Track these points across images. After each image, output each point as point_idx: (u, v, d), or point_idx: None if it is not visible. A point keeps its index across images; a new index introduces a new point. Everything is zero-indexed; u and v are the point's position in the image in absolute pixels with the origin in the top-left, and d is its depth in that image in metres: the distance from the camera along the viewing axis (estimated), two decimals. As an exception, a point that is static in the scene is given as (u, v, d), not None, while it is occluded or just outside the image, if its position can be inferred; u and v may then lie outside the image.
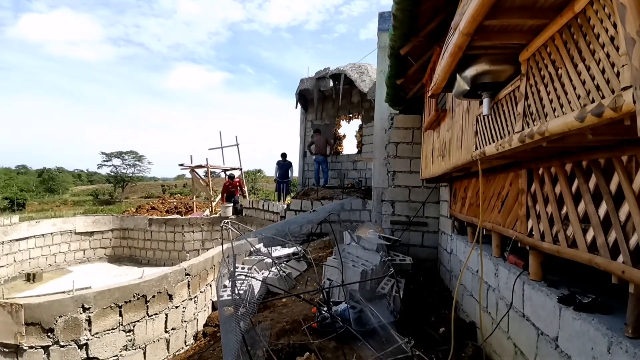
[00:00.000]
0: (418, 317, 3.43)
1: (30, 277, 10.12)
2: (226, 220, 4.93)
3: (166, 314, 4.36)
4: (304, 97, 12.03)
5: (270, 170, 12.79)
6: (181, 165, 14.66)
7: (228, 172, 14.53)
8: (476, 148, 2.32)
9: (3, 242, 9.95)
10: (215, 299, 5.25)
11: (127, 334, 3.86)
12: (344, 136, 12.30)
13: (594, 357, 1.42)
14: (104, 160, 40.41)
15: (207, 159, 14.74)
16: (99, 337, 3.61)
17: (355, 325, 2.79)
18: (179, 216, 14.90)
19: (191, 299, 4.79)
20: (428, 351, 2.69)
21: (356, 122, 11.98)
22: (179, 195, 29.24)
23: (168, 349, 4.38)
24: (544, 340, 1.83)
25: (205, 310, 5.17)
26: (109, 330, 3.70)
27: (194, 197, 17.69)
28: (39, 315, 3.27)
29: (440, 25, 2.92)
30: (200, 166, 14.58)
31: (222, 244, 5.00)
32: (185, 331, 4.62)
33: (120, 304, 3.76)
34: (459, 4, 1.76)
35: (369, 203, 8.14)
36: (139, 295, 3.94)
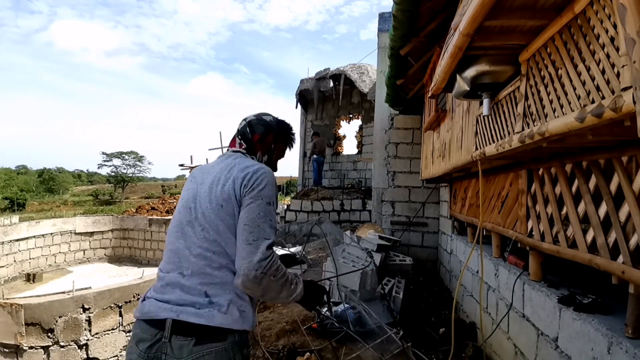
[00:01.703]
0: (418, 318, 3.43)
1: (30, 278, 10.12)
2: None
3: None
4: (304, 98, 12.03)
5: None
6: (181, 165, 14.65)
7: None
8: (476, 148, 2.32)
9: (3, 242, 9.95)
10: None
11: (128, 334, 3.86)
12: (344, 136, 12.31)
13: (594, 358, 1.42)
14: (105, 161, 40.44)
15: (207, 159, 14.78)
16: (99, 338, 3.61)
17: (355, 326, 2.79)
18: (179, 216, 14.90)
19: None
20: (428, 351, 2.70)
21: (356, 123, 12.00)
22: (179, 195, 29.28)
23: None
24: (544, 340, 1.83)
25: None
26: (109, 330, 3.70)
27: (194, 197, 17.68)
28: (39, 316, 3.27)
29: (440, 26, 2.92)
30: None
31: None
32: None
33: (120, 304, 3.76)
34: (459, 4, 1.77)
35: (369, 203, 8.14)
36: (139, 295, 3.94)
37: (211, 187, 1.23)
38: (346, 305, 3.05)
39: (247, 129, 1.41)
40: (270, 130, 1.43)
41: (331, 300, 3.35)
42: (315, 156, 10.41)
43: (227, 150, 1.44)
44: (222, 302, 1.11)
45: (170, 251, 1.23)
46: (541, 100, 1.51)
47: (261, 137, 1.41)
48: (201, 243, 1.17)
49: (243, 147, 1.40)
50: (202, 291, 1.12)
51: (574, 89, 1.26)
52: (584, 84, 1.21)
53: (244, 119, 1.46)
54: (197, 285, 1.13)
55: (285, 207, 9.06)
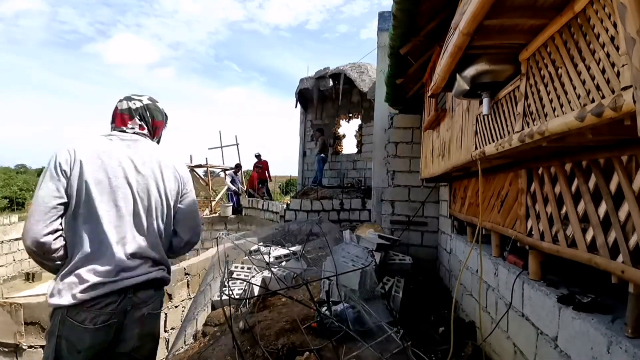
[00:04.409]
0: (418, 317, 3.43)
1: (30, 277, 10.11)
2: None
3: (165, 314, 4.36)
4: (303, 97, 12.01)
5: (271, 170, 12.54)
6: (181, 164, 14.60)
7: (255, 153, 12.32)
8: (476, 148, 2.32)
9: (2, 241, 9.94)
10: (215, 298, 5.25)
11: (127, 333, 3.85)
12: (344, 136, 12.29)
13: (594, 357, 1.42)
14: (104, 160, 40.26)
15: (206, 158, 14.73)
16: (98, 337, 3.61)
17: (354, 325, 2.79)
18: (178, 216, 14.84)
19: (191, 298, 4.78)
20: (428, 351, 2.70)
21: (356, 122, 11.98)
22: (178, 194, 29.18)
23: (167, 348, 4.37)
24: (544, 340, 1.83)
25: (204, 310, 5.17)
26: (109, 329, 3.69)
27: (194, 196, 17.65)
28: (38, 315, 3.27)
29: (440, 25, 2.92)
30: (199, 166, 14.55)
31: (217, 246, 5.01)
32: (185, 331, 4.62)
33: (119, 304, 3.75)
34: (459, 3, 1.76)
35: (369, 203, 8.13)
36: (138, 294, 3.93)
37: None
38: (346, 305, 3.05)
39: (147, 112, 1.49)
40: (166, 120, 1.59)
41: (331, 299, 3.36)
42: (322, 155, 10.31)
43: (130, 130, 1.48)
44: None
45: None
46: (541, 99, 1.51)
47: (161, 126, 1.56)
48: None
49: (144, 130, 1.49)
50: None
51: (574, 88, 1.26)
52: (583, 83, 1.21)
53: (139, 100, 1.49)
54: None
55: (285, 206, 9.04)
